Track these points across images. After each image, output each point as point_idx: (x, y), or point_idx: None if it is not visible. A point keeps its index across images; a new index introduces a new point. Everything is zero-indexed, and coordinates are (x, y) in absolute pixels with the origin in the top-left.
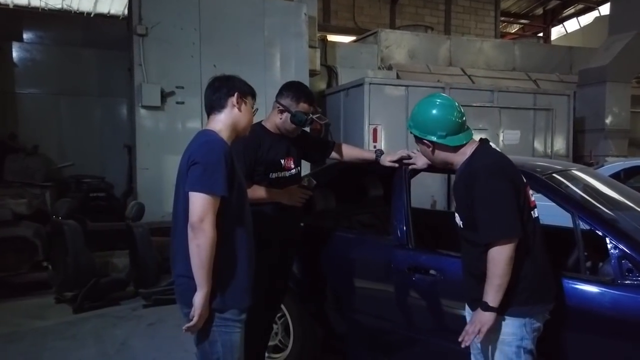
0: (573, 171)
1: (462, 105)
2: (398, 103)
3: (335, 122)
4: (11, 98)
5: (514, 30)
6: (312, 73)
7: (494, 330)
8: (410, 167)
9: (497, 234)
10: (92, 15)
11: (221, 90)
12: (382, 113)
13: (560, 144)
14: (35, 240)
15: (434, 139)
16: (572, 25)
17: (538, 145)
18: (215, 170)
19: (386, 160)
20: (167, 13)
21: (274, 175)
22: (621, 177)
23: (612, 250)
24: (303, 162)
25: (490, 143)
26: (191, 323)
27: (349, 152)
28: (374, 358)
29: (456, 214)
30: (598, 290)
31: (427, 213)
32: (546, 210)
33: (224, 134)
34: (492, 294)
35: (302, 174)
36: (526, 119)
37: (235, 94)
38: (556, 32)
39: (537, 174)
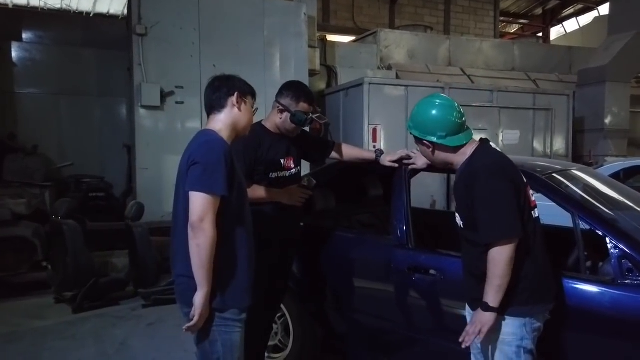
0: (573, 171)
1: (461, 105)
2: (397, 103)
3: (335, 122)
4: (10, 98)
5: (513, 30)
6: (312, 73)
7: (494, 330)
8: (410, 167)
9: (497, 234)
10: (91, 15)
11: (221, 90)
12: (382, 113)
13: (559, 144)
14: (35, 240)
15: (434, 139)
16: (571, 25)
17: (537, 145)
18: (215, 170)
19: (386, 160)
20: (166, 13)
21: (274, 175)
22: (621, 177)
23: (612, 250)
24: (303, 162)
25: (491, 143)
26: (191, 323)
27: (349, 152)
28: (374, 358)
29: (457, 214)
30: (598, 290)
31: (426, 213)
32: (546, 210)
33: (224, 134)
34: (493, 295)
35: (302, 173)
36: (526, 119)
37: (235, 94)
38: (555, 32)
39: (537, 174)
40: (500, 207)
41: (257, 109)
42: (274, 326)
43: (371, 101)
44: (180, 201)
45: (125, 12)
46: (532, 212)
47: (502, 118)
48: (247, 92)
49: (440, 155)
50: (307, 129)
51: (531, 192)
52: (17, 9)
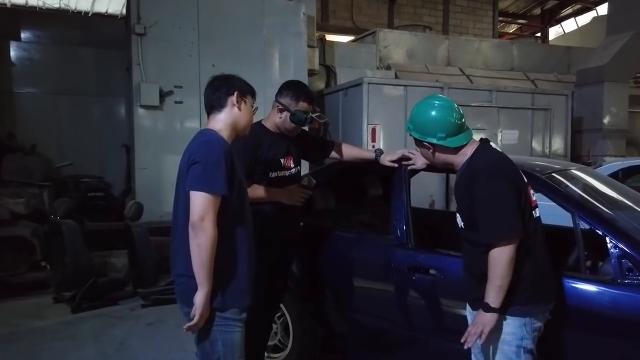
0: (572, 171)
1: (460, 105)
2: (397, 103)
3: (334, 122)
4: (9, 97)
5: (511, 30)
6: (311, 73)
7: (495, 330)
8: (409, 167)
9: (497, 235)
10: (89, 15)
11: (221, 89)
12: (381, 113)
13: (558, 144)
14: (33, 240)
15: (434, 140)
16: (569, 25)
17: (536, 145)
18: (215, 169)
19: (386, 160)
20: (165, 12)
21: (273, 175)
22: (619, 177)
23: (612, 250)
24: (302, 162)
25: (491, 143)
26: (192, 322)
27: (349, 151)
28: (373, 358)
29: (457, 215)
30: (598, 290)
31: (425, 213)
32: (545, 210)
33: (224, 133)
34: (494, 295)
35: (302, 173)
36: (524, 118)
37: (235, 93)
38: (554, 32)
39: (537, 174)
40: (500, 208)
41: (257, 108)
42: (274, 326)
43: (370, 101)
44: (181, 201)
45: (124, 11)
46: (533, 211)
47: (500, 118)
48: (246, 91)
49: (441, 156)
50: (306, 128)
51: (532, 191)
52: (16, 8)
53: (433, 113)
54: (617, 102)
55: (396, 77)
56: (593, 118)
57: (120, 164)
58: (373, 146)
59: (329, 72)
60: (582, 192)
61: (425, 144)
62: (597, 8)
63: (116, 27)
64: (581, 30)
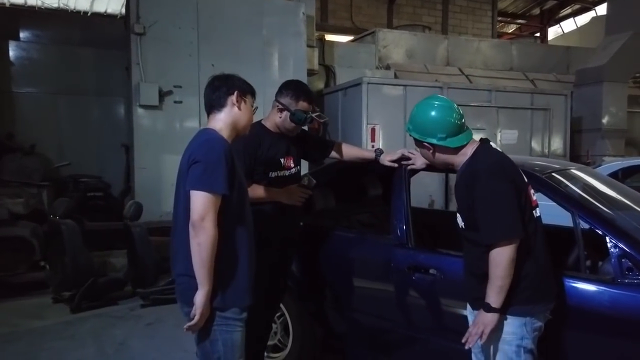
0: (572, 170)
1: (459, 105)
2: (396, 103)
3: (333, 122)
4: (8, 97)
5: (510, 30)
6: (310, 72)
7: (495, 330)
8: (409, 167)
9: (498, 235)
10: (89, 14)
11: (221, 89)
12: (380, 113)
13: (557, 144)
14: (33, 240)
15: (434, 141)
16: (569, 25)
17: (535, 145)
18: (215, 168)
19: (386, 160)
20: (165, 12)
21: (273, 175)
22: (619, 177)
23: (612, 249)
24: (302, 162)
25: (491, 143)
26: (192, 322)
27: (349, 151)
28: (373, 357)
29: (458, 215)
30: (598, 289)
31: (425, 212)
32: (545, 210)
33: (224, 133)
34: (494, 295)
35: (301, 173)
36: (524, 118)
37: (235, 93)
38: (553, 32)
39: (537, 173)
40: (501, 208)
41: (256, 107)
42: (273, 326)
43: (370, 101)
44: (181, 200)
45: (123, 11)
46: (534, 211)
47: (500, 118)
48: (246, 91)
49: (441, 157)
50: (305, 128)
51: (532, 191)
52: (15, 8)
53: (433, 113)
54: (616, 102)
55: (395, 77)
56: (592, 118)
57: (120, 164)
58: (372, 146)
59: (329, 72)
60: (582, 191)
61: (425, 144)
62: (596, 8)
63: (115, 27)
64: (580, 30)
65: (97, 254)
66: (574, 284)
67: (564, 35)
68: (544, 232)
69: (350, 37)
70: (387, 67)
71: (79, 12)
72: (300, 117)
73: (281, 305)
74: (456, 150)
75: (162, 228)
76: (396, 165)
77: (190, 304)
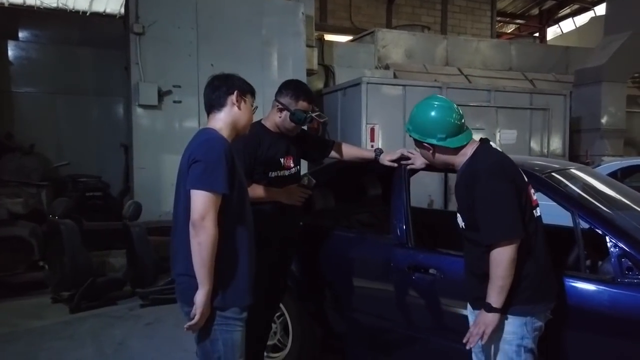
0: (572, 170)
1: (459, 105)
2: (395, 102)
3: (333, 122)
4: (7, 97)
5: (509, 31)
6: (310, 72)
7: (496, 329)
8: (408, 167)
9: (498, 235)
10: (87, 14)
11: (220, 88)
12: (380, 112)
13: (556, 144)
14: (31, 239)
15: (434, 141)
16: (567, 25)
17: (534, 145)
18: (216, 168)
19: (385, 160)
20: (164, 12)
21: (273, 174)
22: (618, 177)
23: (611, 249)
24: (301, 161)
25: (491, 143)
26: (193, 321)
27: (349, 151)
28: (373, 357)
29: (458, 215)
30: (598, 289)
31: (424, 212)
32: (545, 210)
33: (224, 133)
34: (495, 295)
35: (301, 173)
36: (523, 118)
37: (235, 92)
38: (552, 32)
39: (537, 173)
40: (501, 208)
41: (256, 107)
42: (273, 325)
43: (369, 101)
44: (181, 200)
45: (122, 11)
46: (534, 211)
47: (499, 118)
48: (246, 90)
49: (441, 157)
50: (305, 127)
51: (532, 191)
52: (13, 7)
53: (433, 114)
54: (615, 102)
55: (395, 76)
56: (591, 118)
57: (119, 164)
58: (372, 146)
59: (328, 72)
60: (582, 191)
61: (425, 144)
62: (595, 8)
63: (115, 27)
64: (579, 30)
65: (96, 253)
66: (574, 284)
67: (563, 35)
68: (544, 231)
69: (350, 37)
70: (386, 67)
71: (77, 11)
72: (300, 116)
73: (281, 305)
74: (456, 150)
75: (162, 228)
76: (396, 165)
77: (191, 303)
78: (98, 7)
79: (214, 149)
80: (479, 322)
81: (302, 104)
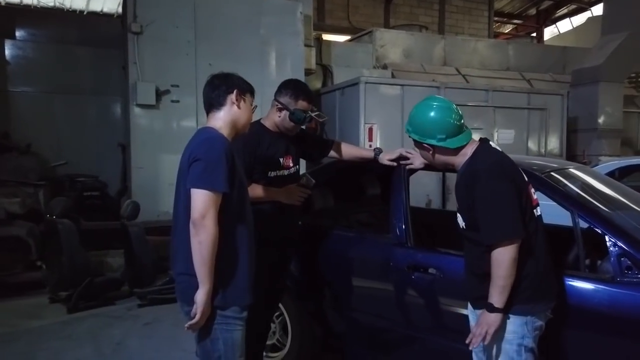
0: (571, 170)
1: (457, 105)
2: (393, 102)
3: (331, 121)
4: (4, 96)
5: (507, 31)
6: (308, 72)
7: (498, 329)
8: (407, 167)
9: (498, 235)
10: (84, 13)
11: (220, 87)
12: (378, 112)
13: (554, 144)
14: (29, 239)
15: (433, 142)
16: (564, 25)
17: (532, 145)
18: (216, 166)
19: (385, 159)
20: (162, 11)
21: (272, 174)
22: (616, 176)
23: (611, 248)
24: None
25: (491, 142)
26: (193, 321)
27: (348, 150)
28: (372, 357)
29: (458, 215)
30: (597, 288)
31: (423, 212)
32: (543, 209)
33: (224, 131)
34: (497, 295)
35: (300, 172)
36: (520, 118)
37: (235, 92)
38: (549, 32)
39: (536, 172)
40: (501, 208)
41: (256, 106)
42: (272, 325)
43: (367, 100)
44: (181, 199)
45: (119, 10)
46: (534, 210)
47: (497, 117)
48: (246, 89)
49: (441, 158)
50: (303, 127)
51: (532, 190)
52: (10, 6)
53: (432, 114)
54: (612, 102)
55: (393, 76)
56: (588, 118)
57: (116, 163)
58: (370, 145)
59: (326, 72)
60: (581, 191)
61: (425, 145)
62: (592, 8)
63: (112, 26)
64: (576, 30)
65: (94, 253)
66: (573, 283)
67: (560, 35)
68: (544, 231)
69: (347, 37)
70: (384, 67)
71: (75, 11)
72: (299, 116)
73: (280, 305)
74: (456, 150)
75: (160, 227)
76: (395, 164)
77: (191, 302)
78: (95, 7)
79: (215, 148)
80: (482, 322)
81: (302, 104)
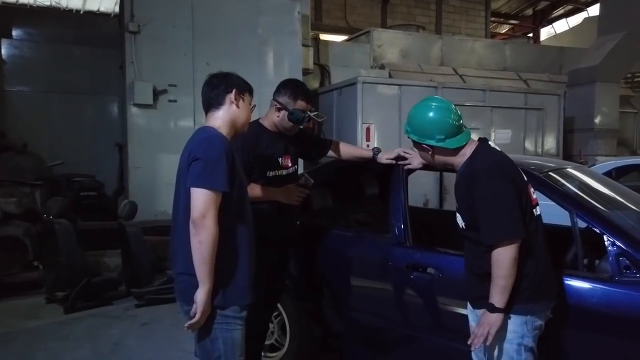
0: (569, 169)
1: (454, 105)
2: (391, 102)
3: (329, 121)
4: (0, 96)
5: (503, 31)
6: (305, 72)
7: (499, 329)
8: (405, 167)
9: (498, 235)
10: (81, 13)
11: (219, 87)
12: (375, 112)
13: (550, 144)
14: (26, 239)
15: (432, 142)
16: (561, 26)
17: (529, 145)
18: (216, 165)
19: (383, 158)
20: (159, 10)
21: (271, 174)
22: (613, 176)
23: (609, 248)
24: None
25: (490, 142)
26: (193, 320)
27: (347, 150)
28: (371, 356)
29: (458, 215)
30: (596, 287)
31: (421, 211)
32: (542, 209)
33: (223, 131)
34: (498, 295)
35: (299, 172)
36: (517, 118)
37: (233, 91)
38: (545, 32)
39: (535, 172)
40: (501, 208)
41: (254, 105)
42: (270, 325)
43: (364, 100)
44: (181, 198)
45: (116, 9)
46: (534, 210)
47: (494, 117)
48: (245, 89)
49: (440, 158)
50: (302, 126)
51: (532, 189)
52: (6, 6)
53: (431, 115)
54: (609, 102)
55: (390, 76)
56: (585, 118)
57: (113, 163)
58: (367, 145)
59: (323, 72)
60: (579, 190)
61: (424, 146)
62: (588, 9)
63: (109, 25)
64: (572, 30)
65: (91, 253)
66: (571, 283)
67: (557, 35)
68: (544, 230)
69: (345, 37)
70: (382, 67)
71: (71, 10)
72: (298, 116)
73: (278, 305)
74: (455, 151)
75: (157, 227)
76: (394, 162)
77: (191, 302)
78: (91, 6)
79: (214, 147)
80: (483, 322)
81: (301, 104)
